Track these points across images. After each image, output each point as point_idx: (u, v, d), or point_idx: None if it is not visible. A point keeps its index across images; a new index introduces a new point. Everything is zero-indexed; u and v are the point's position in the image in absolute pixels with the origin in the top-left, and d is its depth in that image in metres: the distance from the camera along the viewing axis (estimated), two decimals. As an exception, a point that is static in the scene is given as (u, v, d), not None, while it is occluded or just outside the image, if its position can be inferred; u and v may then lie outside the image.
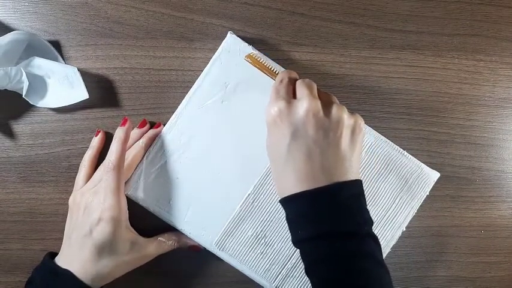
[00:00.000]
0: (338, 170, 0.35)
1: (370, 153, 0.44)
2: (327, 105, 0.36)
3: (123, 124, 0.41)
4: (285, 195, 0.36)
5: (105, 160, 0.39)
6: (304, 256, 0.36)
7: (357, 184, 0.36)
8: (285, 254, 0.43)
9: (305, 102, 0.35)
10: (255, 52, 0.42)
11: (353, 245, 0.34)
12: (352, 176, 0.36)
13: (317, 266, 0.35)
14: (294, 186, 0.35)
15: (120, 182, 0.39)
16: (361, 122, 0.37)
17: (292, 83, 0.38)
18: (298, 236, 0.35)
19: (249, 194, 0.43)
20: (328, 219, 0.34)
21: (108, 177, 0.38)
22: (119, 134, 0.40)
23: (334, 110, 0.35)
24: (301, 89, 0.37)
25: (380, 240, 0.43)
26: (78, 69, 0.42)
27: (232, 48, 0.42)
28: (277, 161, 0.37)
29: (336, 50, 0.46)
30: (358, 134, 0.37)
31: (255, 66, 0.41)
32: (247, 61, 0.41)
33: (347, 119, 0.36)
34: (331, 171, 0.35)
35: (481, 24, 0.48)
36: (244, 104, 0.42)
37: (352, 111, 0.38)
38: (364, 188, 0.43)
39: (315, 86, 0.37)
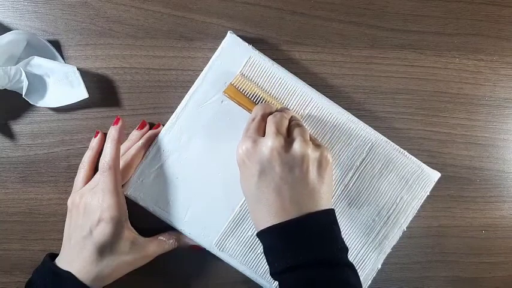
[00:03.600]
0: (308, 202, 0.36)
1: (371, 153, 0.43)
2: (291, 142, 0.37)
3: (116, 123, 0.41)
4: (260, 229, 0.36)
5: (100, 161, 0.39)
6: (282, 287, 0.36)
7: (329, 213, 0.37)
8: (285, 255, 0.43)
9: (269, 141, 0.36)
10: (237, 78, 0.41)
11: (328, 274, 0.34)
12: (323, 206, 0.36)
13: None
14: (266, 221, 0.36)
15: (117, 181, 0.39)
16: (327, 154, 0.38)
17: (265, 119, 0.39)
18: (274, 268, 0.36)
19: (249, 194, 0.42)
20: (301, 250, 0.35)
21: (105, 177, 0.38)
22: (112, 133, 0.40)
23: (298, 145, 0.36)
24: (268, 126, 0.38)
25: (380, 240, 0.44)
26: (78, 69, 0.42)
27: (232, 48, 0.42)
28: (249, 198, 0.38)
29: (336, 49, 0.46)
30: (326, 166, 0.38)
31: (234, 100, 0.41)
32: (226, 96, 0.41)
33: (312, 153, 0.37)
34: (301, 204, 0.36)
35: (482, 23, 0.47)
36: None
37: (318, 144, 0.38)
38: (365, 188, 0.43)
39: (284, 122, 0.38)
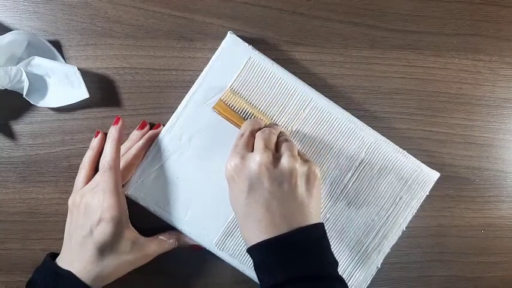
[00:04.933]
0: (297, 216, 0.36)
1: (370, 153, 0.44)
2: (279, 157, 0.37)
3: (116, 123, 0.41)
4: (250, 245, 0.36)
5: (100, 161, 0.39)
6: None
7: (318, 227, 0.37)
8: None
9: (257, 156, 0.36)
10: (227, 93, 0.42)
11: None
12: (312, 220, 0.37)
13: None
14: (256, 236, 0.36)
15: (118, 181, 0.39)
16: (315, 168, 0.38)
17: (254, 134, 0.39)
18: (264, 284, 0.36)
19: (249, 194, 0.43)
20: (291, 266, 0.34)
21: (105, 177, 0.38)
22: (112, 133, 0.40)
23: (286, 160, 0.36)
24: (256, 142, 0.38)
25: (379, 240, 0.44)
26: (79, 69, 0.42)
27: (232, 49, 0.42)
28: (239, 214, 0.38)
29: (336, 49, 0.46)
30: (314, 180, 0.38)
31: (223, 116, 0.41)
32: (215, 111, 0.41)
33: (300, 168, 0.37)
34: (290, 219, 0.36)
35: (481, 24, 0.48)
36: (244, 103, 0.42)
37: (306, 159, 0.38)
38: (364, 188, 0.43)
39: (272, 137, 0.38)
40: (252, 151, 0.38)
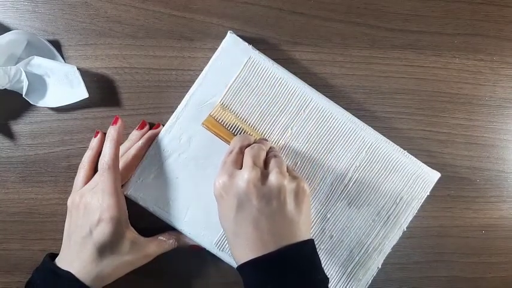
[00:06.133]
0: (286, 234, 0.36)
1: (371, 154, 0.43)
2: (267, 174, 0.37)
3: (115, 123, 0.41)
4: (239, 263, 0.36)
5: (99, 161, 0.39)
6: None
7: (308, 244, 0.37)
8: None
9: (245, 174, 0.36)
10: (218, 108, 0.42)
11: None
12: (302, 237, 0.36)
13: None
14: (246, 254, 0.35)
15: (117, 181, 0.39)
16: (303, 184, 0.38)
17: (243, 151, 0.39)
18: None
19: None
20: (281, 284, 0.34)
21: (104, 177, 0.38)
22: (111, 133, 0.40)
23: (274, 177, 0.36)
24: (245, 159, 0.38)
25: (380, 240, 0.44)
26: (78, 69, 0.42)
27: (233, 48, 0.42)
28: (228, 232, 0.37)
29: (336, 49, 0.46)
30: (303, 197, 0.38)
31: (212, 132, 0.41)
32: (205, 127, 0.41)
33: (288, 184, 0.37)
34: (279, 236, 0.35)
35: (482, 23, 0.47)
36: (244, 103, 0.42)
37: (295, 176, 0.38)
38: (365, 188, 0.43)
39: (261, 154, 0.38)
40: (241, 168, 0.37)
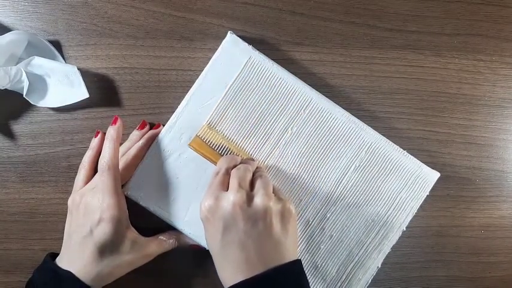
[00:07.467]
0: (273, 255, 0.36)
1: (370, 153, 0.44)
2: (253, 196, 0.37)
3: (114, 123, 0.41)
4: (227, 286, 0.36)
5: (99, 161, 0.39)
6: None
7: (296, 265, 0.37)
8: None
9: (231, 196, 0.36)
10: (204, 130, 0.42)
11: None
12: (289, 258, 0.36)
13: None
14: (234, 277, 0.35)
15: (117, 181, 0.39)
16: (289, 206, 0.38)
17: (229, 172, 0.39)
18: None
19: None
20: None
21: (104, 177, 0.38)
22: (110, 133, 0.40)
23: (259, 199, 0.36)
24: (231, 181, 0.38)
25: (380, 240, 0.44)
26: (78, 69, 0.42)
27: (233, 49, 0.42)
28: (215, 256, 0.37)
29: (336, 49, 0.46)
30: (289, 217, 0.38)
31: (199, 153, 0.41)
32: (191, 148, 0.41)
33: (274, 206, 0.37)
34: (267, 258, 0.35)
35: (481, 24, 0.48)
36: (244, 103, 0.42)
37: (280, 197, 0.38)
38: (364, 188, 0.43)
39: (247, 175, 0.38)
40: (227, 190, 0.37)
